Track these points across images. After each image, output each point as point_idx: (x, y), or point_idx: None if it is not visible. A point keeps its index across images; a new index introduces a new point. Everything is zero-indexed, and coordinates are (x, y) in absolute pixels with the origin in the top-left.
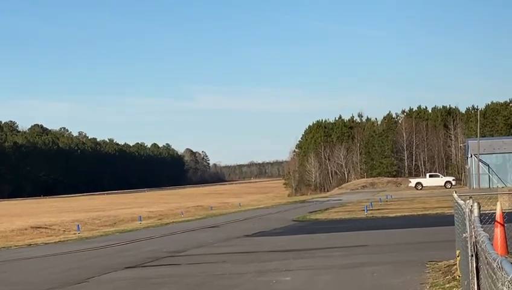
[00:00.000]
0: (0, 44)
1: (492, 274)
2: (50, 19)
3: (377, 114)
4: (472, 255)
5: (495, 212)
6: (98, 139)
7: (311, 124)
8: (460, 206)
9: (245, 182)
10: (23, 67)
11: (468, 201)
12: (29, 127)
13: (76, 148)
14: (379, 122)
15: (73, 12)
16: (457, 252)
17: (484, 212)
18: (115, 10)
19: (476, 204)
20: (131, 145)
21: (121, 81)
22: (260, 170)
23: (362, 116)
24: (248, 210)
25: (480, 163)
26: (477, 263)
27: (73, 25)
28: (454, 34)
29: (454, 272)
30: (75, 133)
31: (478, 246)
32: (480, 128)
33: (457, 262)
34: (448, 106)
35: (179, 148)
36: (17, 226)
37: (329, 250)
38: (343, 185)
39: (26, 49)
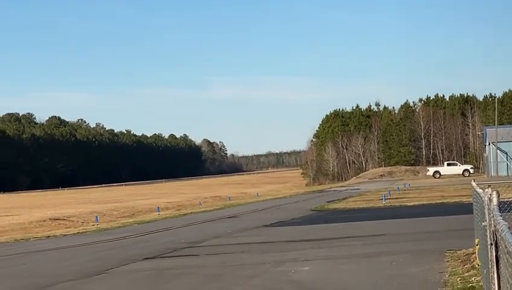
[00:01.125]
0: (17, 36)
1: None
2: (67, 11)
3: (394, 103)
4: (491, 244)
5: None
6: (115, 131)
7: (328, 114)
8: (479, 194)
9: (263, 172)
10: (41, 60)
11: (487, 189)
12: (47, 119)
13: (94, 139)
14: (396, 111)
15: (91, 4)
16: (476, 241)
17: (503, 200)
18: (130, 2)
19: (494, 192)
20: (148, 136)
21: (139, 72)
22: (278, 160)
23: (379, 105)
24: (266, 200)
25: (498, 151)
26: (496, 252)
27: (91, 16)
28: (472, 22)
29: (473, 261)
30: (92, 125)
31: (497, 235)
32: (498, 116)
33: (477, 251)
34: (465, 94)
35: (197, 138)
36: (36, 218)
37: (347, 239)
38: (360, 175)
39: (43, 41)
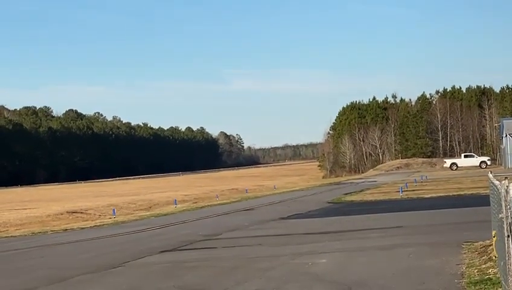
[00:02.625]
0: (34, 29)
1: None
2: (84, 3)
3: (411, 95)
4: (508, 236)
5: None
6: (132, 124)
7: (345, 106)
8: (496, 186)
9: (280, 165)
10: (58, 53)
11: (504, 181)
12: (64, 112)
13: (110, 132)
14: (413, 103)
15: None
16: (493, 232)
17: None
18: None
19: (511, 184)
20: (165, 129)
21: (156, 65)
22: (294, 152)
23: (396, 97)
24: (283, 192)
25: None
26: None
27: (108, 9)
28: (488, 13)
29: (490, 253)
30: (109, 118)
31: None
32: None
33: (494, 243)
34: (482, 86)
35: (213, 131)
36: (53, 211)
37: (364, 232)
38: (377, 167)
39: (60, 34)
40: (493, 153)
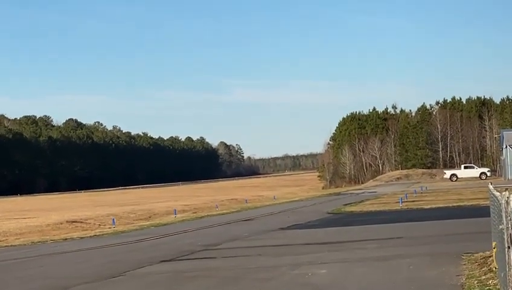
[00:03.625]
0: (34, 39)
1: None
2: (84, 15)
3: (411, 106)
4: (509, 247)
5: None
6: (132, 133)
7: (345, 116)
8: (496, 197)
9: (279, 175)
10: (57, 62)
11: (504, 193)
12: (64, 121)
13: (110, 142)
14: (413, 114)
15: (106, 8)
16: (494, 244)
17: None
18: (146, 4)
19: None
20: (165, 139)
21: (155, 75)
22: (294, 163)
23: (396, 108)
24: (283, 203)
25: None
26: None
27: (107, 20)
28: (488, 25)
29: (490, 264)
30: (109, 127)
31: None
32: None
33: (494, 254)
34: (482, 97)
35: (213, 141)
36: (53, 221)
37: (364, 242)
38: (377, 177)
39: (60, 44)
40: (493, 164)
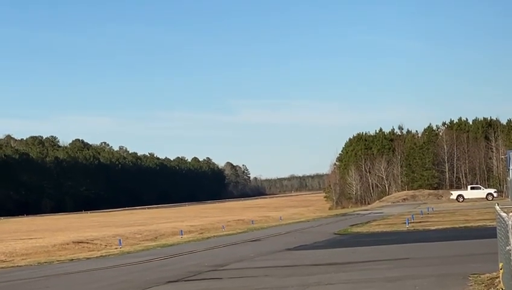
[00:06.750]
0: (41, 59)
1: None
2: (91, 35)
3: (417, 126)
4: None
5: None
6: (138, 154)
7: (351, 137)
8: (502, 218)
9: (286, 196)
10: (64, 83)
11: (511, 213)
12: (71, 142)
13: (117, 162)
14: (420, 135)
15: (115, 27)
16: (500, 265)
17: None
18: (154, 25)
19: None
20: (171, 159)
21: (161, 96)
22: (301, 183)
23: (402, 129)
24: (289, 224)
25: None
26: None
27: (114, 41)
28: (495, 44)
29: (497, 285)
30: (115, 148)
31: None
32: None
33: (501, 275)
34: (489, 118)
35: (220, 162)
36: (60, 241)
37: (371, 263)
38: (384, 198)
39: (66, 64)
40: (500, 185)
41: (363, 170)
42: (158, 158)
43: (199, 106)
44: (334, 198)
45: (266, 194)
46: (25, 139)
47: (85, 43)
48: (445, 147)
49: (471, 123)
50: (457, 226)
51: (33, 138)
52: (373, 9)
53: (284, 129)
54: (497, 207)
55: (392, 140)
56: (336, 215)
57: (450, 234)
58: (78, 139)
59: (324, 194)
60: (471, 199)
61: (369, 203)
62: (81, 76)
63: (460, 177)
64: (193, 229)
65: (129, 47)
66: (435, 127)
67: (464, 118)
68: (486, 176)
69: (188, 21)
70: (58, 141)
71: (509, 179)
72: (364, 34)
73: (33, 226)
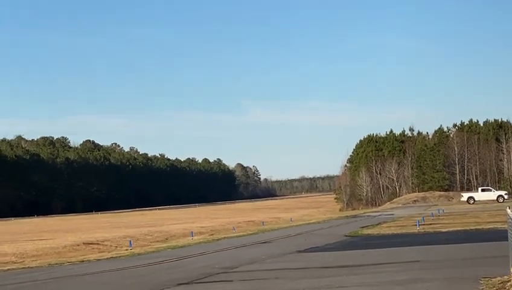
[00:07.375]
0: (51, 60)
1: None
2: (104, 37)
3: (428, 128)
4: None
5: None
6: (149, 155)
7: (362, 139)
8: None
9: (296, 197)
10: (75, 84)
11: None
12: (81, 143)
13: (127, 163)
14: (430, 136)
15: (124, 27)
16: None
17: None
18: (166, 27)
19: None
20: (182, 160)
21: (172, 97)
22: (311, 185)
23: (413, 130)
24: (300, 225)
25: None
26: None
27: (125, 40)
28: (505, 46)
29: (508, 289)
30: (126, 149)
31: None
32: None
33: None
34: (500, 119)
35: (230, 163)
36: (70, 242)
37: (382, 266)
38: (394, 200)
39: (77, 65)
40: (510, 187)
41: (374, 171)
42: (168, 159)
43: (210, 107)
44: (345, 199)
45: (276, 196)
46: (35, 139)
47: (97, 44)
48: (455, 148)
49: (481, 125)
50: (468, 228)
51: (44, 138)
52: (386, 12)
53: (295, 130)
54: (509, 210)
55: (402, 142)
56: (346, 217)
57: (461, 236)
58: (89, 140)
59: (334, 195)
60: (482, 201)
61: (379, 205)
62: (92, 77)
63: (471, 179)
64: (204, 231)
65: (141, 48)
66: (445, 129)
67: (474, 120)
68: (497, 178)
69: (200, 23)
70: (69, 142)
71: None
72: (377, 35)
73: (43, 227)
